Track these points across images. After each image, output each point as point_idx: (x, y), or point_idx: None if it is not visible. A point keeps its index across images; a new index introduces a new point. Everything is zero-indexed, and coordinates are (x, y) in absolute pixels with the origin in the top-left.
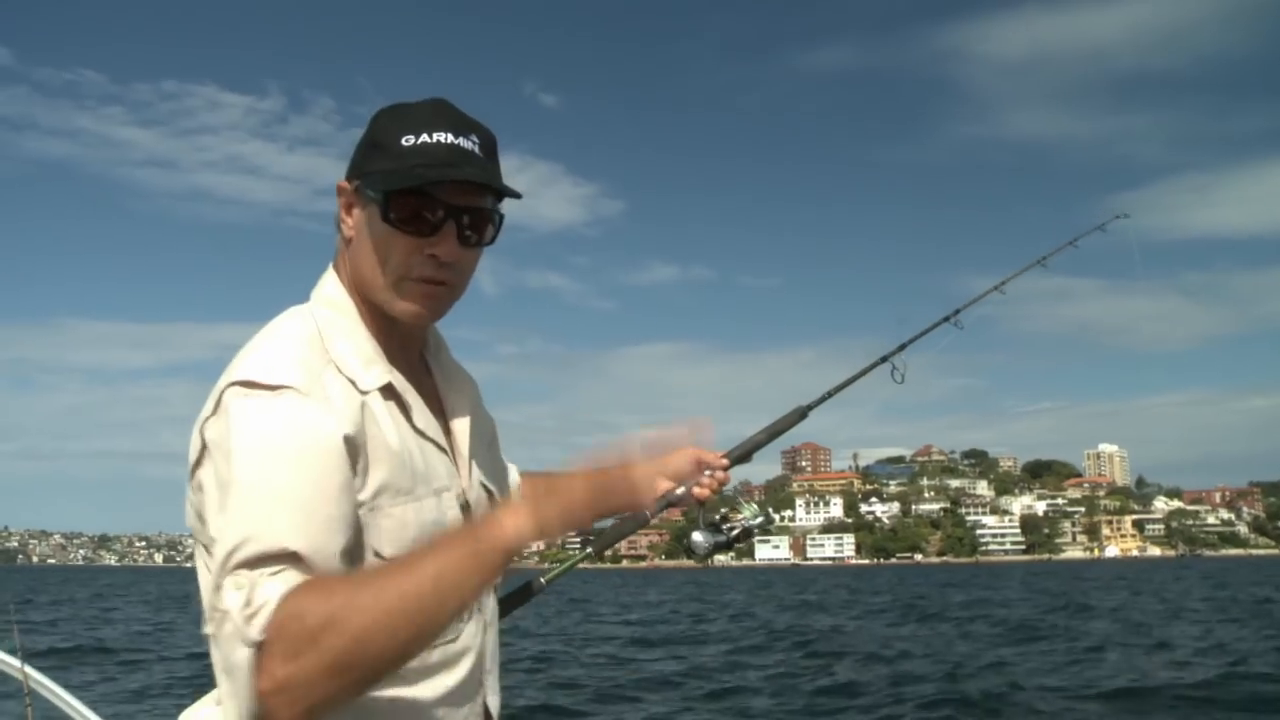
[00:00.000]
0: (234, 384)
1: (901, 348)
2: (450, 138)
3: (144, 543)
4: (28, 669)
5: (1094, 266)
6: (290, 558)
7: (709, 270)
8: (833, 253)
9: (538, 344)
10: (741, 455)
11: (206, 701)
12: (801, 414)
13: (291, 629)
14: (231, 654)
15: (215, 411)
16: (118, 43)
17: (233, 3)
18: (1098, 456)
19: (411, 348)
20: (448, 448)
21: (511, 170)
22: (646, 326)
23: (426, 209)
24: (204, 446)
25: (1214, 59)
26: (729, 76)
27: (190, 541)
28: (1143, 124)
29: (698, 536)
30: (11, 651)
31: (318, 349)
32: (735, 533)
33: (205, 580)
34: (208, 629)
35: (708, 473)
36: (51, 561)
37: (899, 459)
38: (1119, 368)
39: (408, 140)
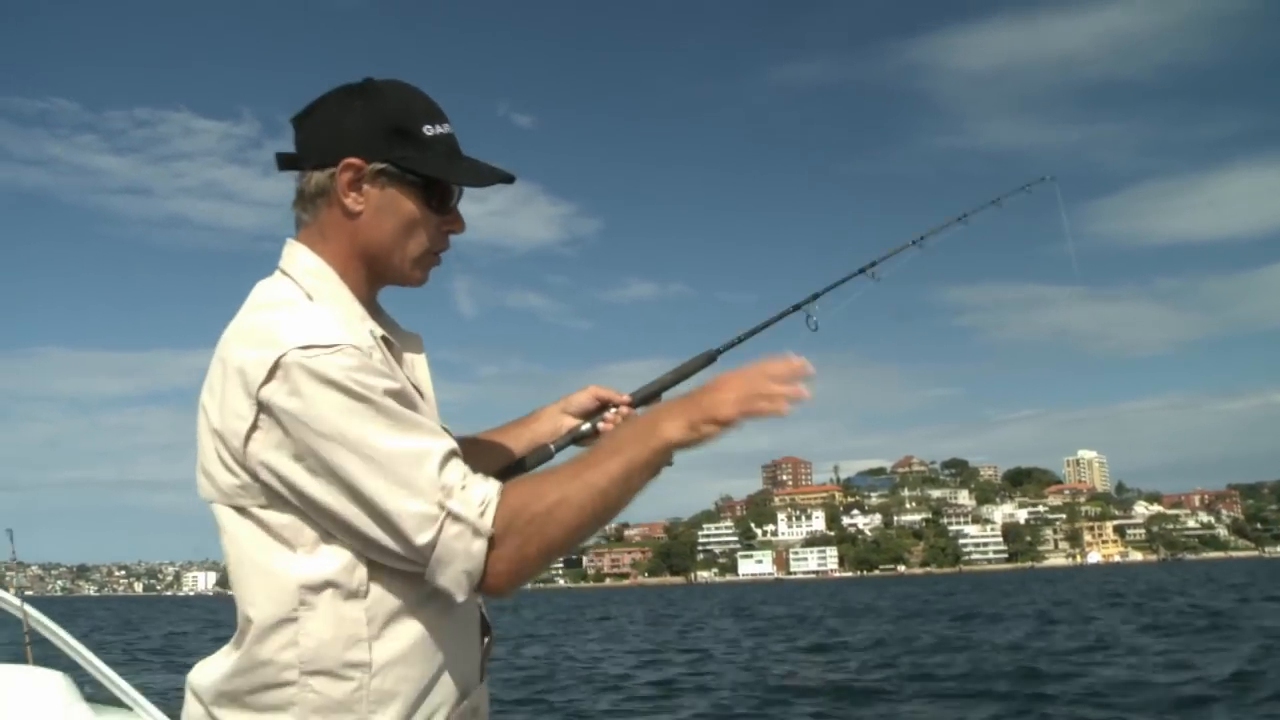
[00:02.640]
0: (293, 349)
1: (815, 296)
2: (450, 129)
3: (123, 572)
4: (27, 608)
5: (1068, 273)
6: (458, 457)
7: (687, 287)
8: (806, 267)
9: (518, 364)
10: (648, 395)
11: (218, 655)
12: (710, 357)
13: (520, 521)
14: (468, 546)
15: (271, 377)
16: (89, 70)
17: (204, 29)
18: (1077, 463)
19: (374, 310)
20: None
21: (487, 191)
22: (626, 344)
23: (451, 195)
24: (262, 410)
25: (1180, 66)
26: (702, 93)
27: (170, 569)
28: (1111, 132)
29: None
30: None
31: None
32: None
33: (244, 545)
34: (402, 543)
35: (612, 410)
36: (30, 593)
37: (880, 470)
38: (1096, 374)
39: (428, 130)
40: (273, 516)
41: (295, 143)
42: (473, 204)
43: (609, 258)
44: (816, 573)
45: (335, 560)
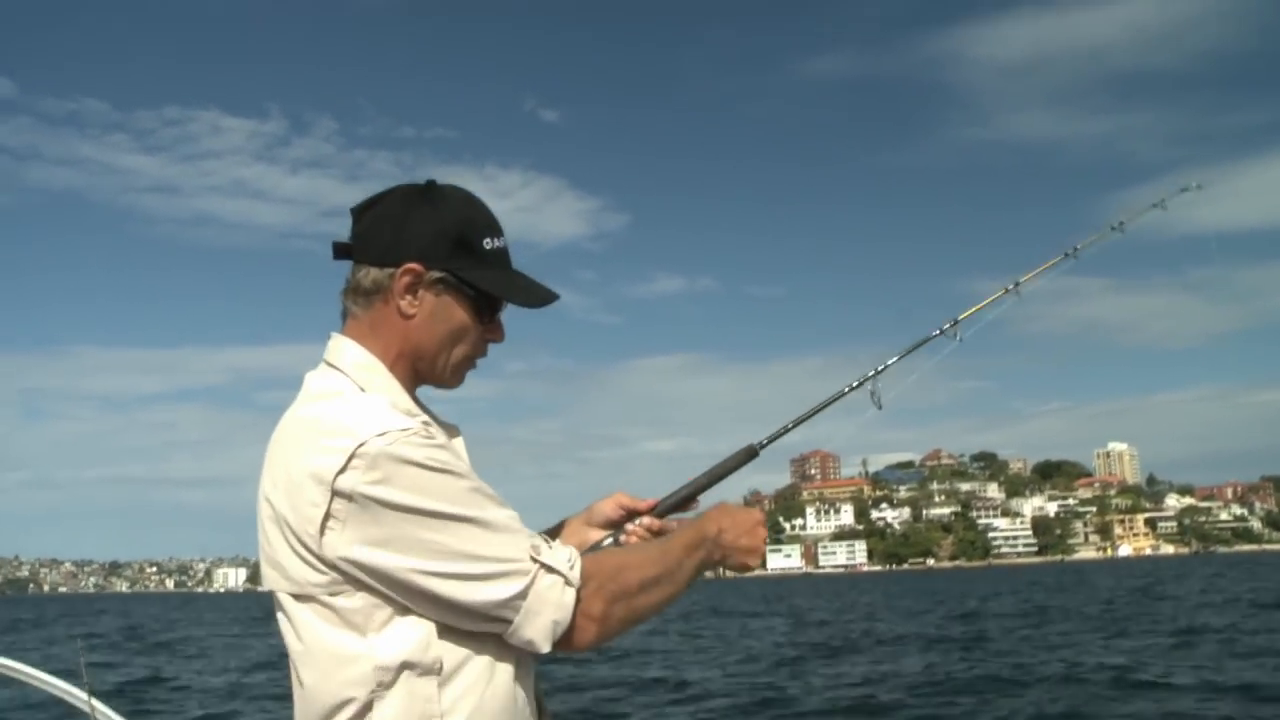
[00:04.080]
0: (372, 437)
1: (878, 372)
2: (505, 243)
3: (155, 568)
4: (94, 701)
5: (1099, 265)
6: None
7: (714, 281)
8: (837, 260)
9: (546, 360)
10: (676, 503)
11: None
12: (751, 453)
13: (608, 583)
14: (560, 597)
15: (348, 466)
16: (119, 70)
17: (231, 27)
18: (1108, 456)
19: (417, 405)
20: None
21: (514, 186)
22: (654, 339)
23: (500, 308)
24: (338, 498)
25: (1212, 54)
26: (729, 87)
27: (201, 566)
28: (1143, 122)
29: None
30: (78, 684)
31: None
32: None
33: (314, 632)
34: (495, 594)
35: (635, 522)
36: (63, 590)
37: (908, 464)
38: (1127, 366)
39: (487, 243)
40: (343, 602)
41: (352, 234)
42: (499, 199)
43: (637, 252)
44: (845, 567)
45: (409, 640)
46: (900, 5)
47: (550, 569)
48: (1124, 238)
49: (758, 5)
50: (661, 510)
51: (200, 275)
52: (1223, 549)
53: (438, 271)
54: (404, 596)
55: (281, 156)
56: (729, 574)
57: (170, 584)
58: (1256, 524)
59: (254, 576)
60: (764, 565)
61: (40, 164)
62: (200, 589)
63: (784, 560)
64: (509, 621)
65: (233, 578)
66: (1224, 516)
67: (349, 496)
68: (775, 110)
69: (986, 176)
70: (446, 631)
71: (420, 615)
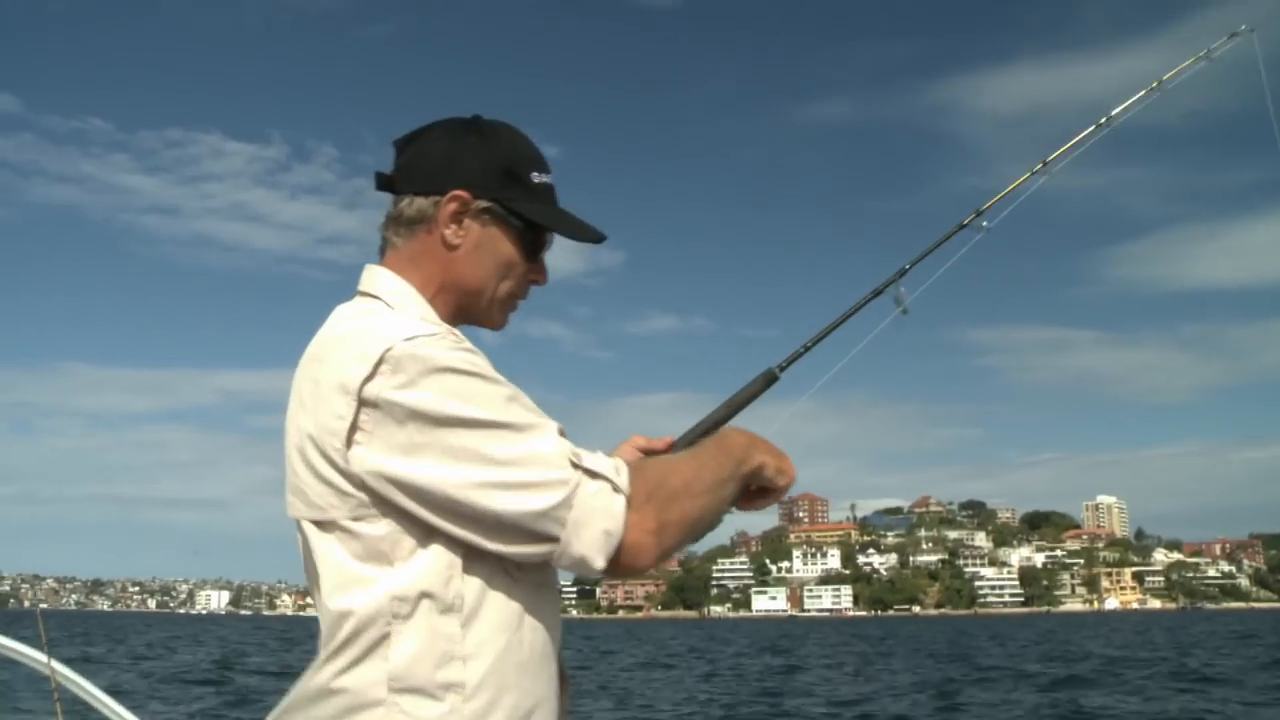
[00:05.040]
0: (399, 341)
1: (901, 274)
2: (552, 180)
3: (137, 588)
4: (54, 663)
5: (1092, 318)
6: (564, 435)
7: (708, 321)
8: (830, 305)
9: (539, 393)
10: (694, 439)
11: (295, 690)
12: (770, 378)
13: (659, 489)
14: (609, 504)
15: (375, 372)
16: (124, 91)
17: (237, 52)
18: (1096, 508)
19: None
20: None
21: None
22: (646, 376)
23: (544, 245)
24: (364, 407)
25: (1208, 113)
26: (728, 129)
27: (184, 587)
28: (1137, 177)
29: None
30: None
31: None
32: None
33: (335, 561)
34: (532, 503)
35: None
36: (44, 606)
37: (897, 510)
38: (1117, 418)
39: (536, 177)
40: (367, 528)
41: (396, 165)
42: None
43: (632, 290)
44: (831, 610)
45: (430, 570)
46: (899, 53)
47: (595, 474)
48: (1163, 97)
49: (757, 50)
50: (679, 448)
51: (195, 297)
52: (1210, 605)
53: (485, 201)
54: (437, 513)
55: (282, 182)
56: (714, 611)
57: (152, 604)
58: (1244, 581)
59: (236, 600)
60: (749, 607)
61: (42, 180)
62: (182, 610)
63: (769, 602)
64: (554, 539)
65: (215, 600)
66: (1212, 573)
67: (375, 404)
68: (773, 154)
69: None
70: (472, 567)
71: (446, 545)
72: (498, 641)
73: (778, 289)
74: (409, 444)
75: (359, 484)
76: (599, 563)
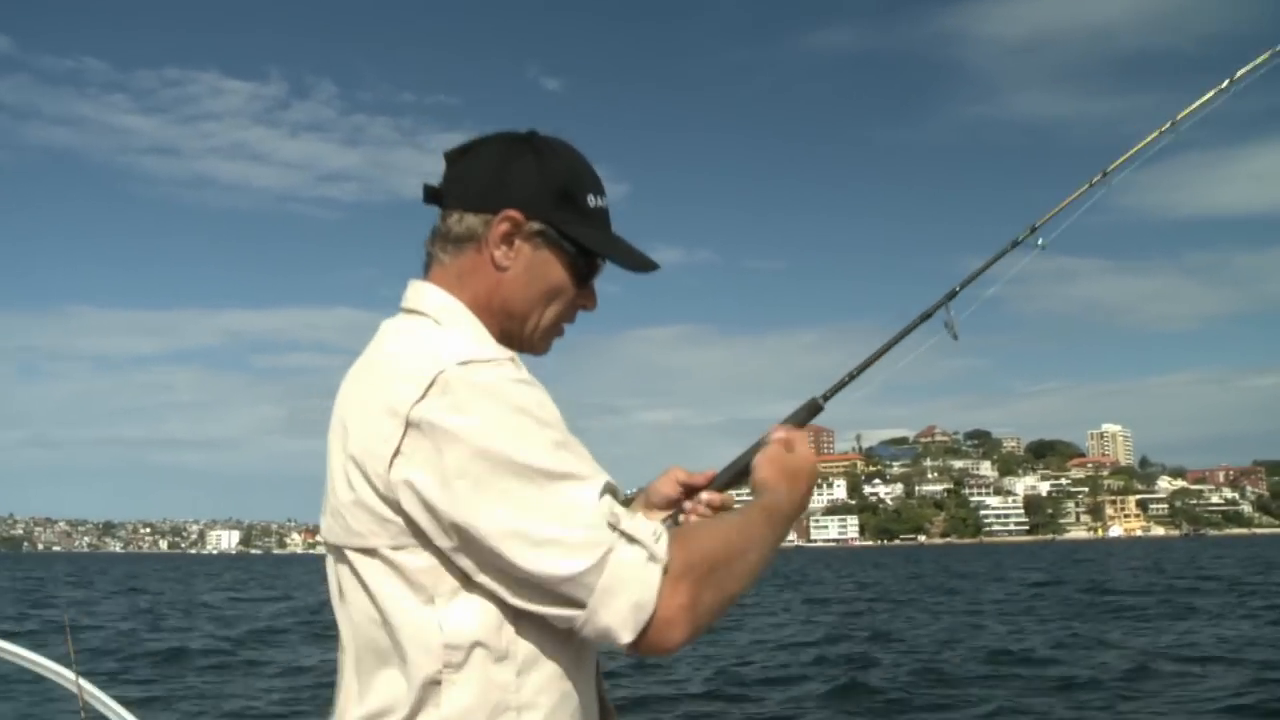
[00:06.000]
0: (452, 365)
1: (951, 295)
2: (607, 204)
3: (148, 529)
4: (82, 681)
5: (1098, 245)
6: (613, 491)
7: (713, 253)
8: (837, 235)
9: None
10: (737, 473)
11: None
12: (815, 408)
13: (700, 562)
14: (643, 574)
15: (426, 395)
16: (119, 30)
17: None
18: (1101, 436)
19: None
20: None
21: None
22: (652, 310)
23: (596, 271)
24: (411, 429)
25: (1216, 37)
26: (733, 59)
27: (195, 527)
28: (1145, 103)
29: None
30: (65, 662)
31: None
32: None
33: (375, 594)
34: (562, 567)
35: (696, 498)
36: (57, 548)
37: (902, 440)
38: (1123, 348)
39: (591, 200)
40: (407, 559)
41: (445, 177)
42: None
43: (636, 222)
44: (837, 541)
45: (480, 616)
46: None
47: (632, 539)
48: (1232, 98)
49: None
50: (721, 483)
51: (197, 237)
52: (1213, 532)
53: (538, 223)
54: (463, 550)
55: (281, 120)
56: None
57: (164, 545)
58: (1247, 508)
59: (246, 539)
60: None
61: (39, 122)
62: (194, 550)
63: None
64: (580, 605)
65: (225, 540)
66: (1215, 500)
67: (419, 425)
68: (779, 83)
69: (989, 154)
70: (523, 616)
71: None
72: (554, 690)
73: (784, 220)
74: (443, 469)
75: (397, 507)
76: (625, 637)
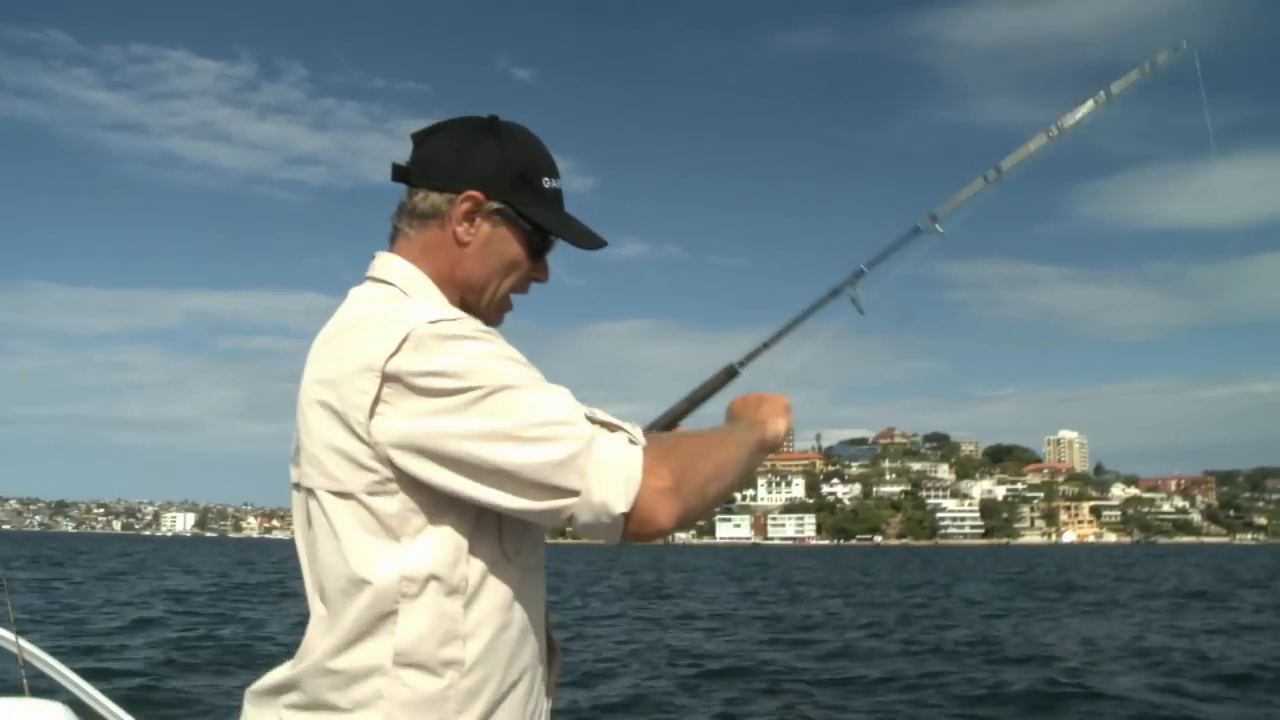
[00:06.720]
0: (422, 323)
1: (857, 276)
2: (560, 185)
3: (102, 509)
4: (21, 641)
5: (1059, 254)
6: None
7: (679, 249)
8: (802, 235)
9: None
10: (660, 429)
11: (288, 664)
12: (730, 373)
13: (675, 455)
14: (627, 453)
15: (399, 350)
16: (85, 2)
17: None
18: (1058, 443)
19: None
20: None
21: None
22: (616, 304)
23: (549, 247)
24: (387, 382)
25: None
26: (704, 56)
27: (149, 509)
28: (1111, 115)
29: None
30: (3, 622)
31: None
32: None
33: (346, 534)
34: (552, 454)
35: None
36: (6, 527)
37: (862, 441)
38: (1082, 355)
39: (546, 183)
40: (380, 503)
41: (412, 158)
42: None
43: (603, 216)
44: (794, 539)
45: (439, 552)
46: None
47: (614, 427)
48: (1110, 110)
49: None
50: (661, 425)
51: (161, 216)
52: (1163, 539)
53: (497, 203)
54: (458, 472)
55: (250, 101)
56: (678, 538)
57: (117, 525)
58: (1196, 516)
59: (202, 522)
60: (713, 534)
61: (1, 94)
62: (148, 532)
63: (733, 530)
64: (574, 492)
65: (180, 522)
66: (1166, 508)
67: (397, 377)
68: (750, 82)
69: (956, 159)
70: (476, 550)
71: (454, 528)
72: (494, 621)
73: (750, 218)
74: (429, 409)
75: (380, 457)
76: (619, 507)
